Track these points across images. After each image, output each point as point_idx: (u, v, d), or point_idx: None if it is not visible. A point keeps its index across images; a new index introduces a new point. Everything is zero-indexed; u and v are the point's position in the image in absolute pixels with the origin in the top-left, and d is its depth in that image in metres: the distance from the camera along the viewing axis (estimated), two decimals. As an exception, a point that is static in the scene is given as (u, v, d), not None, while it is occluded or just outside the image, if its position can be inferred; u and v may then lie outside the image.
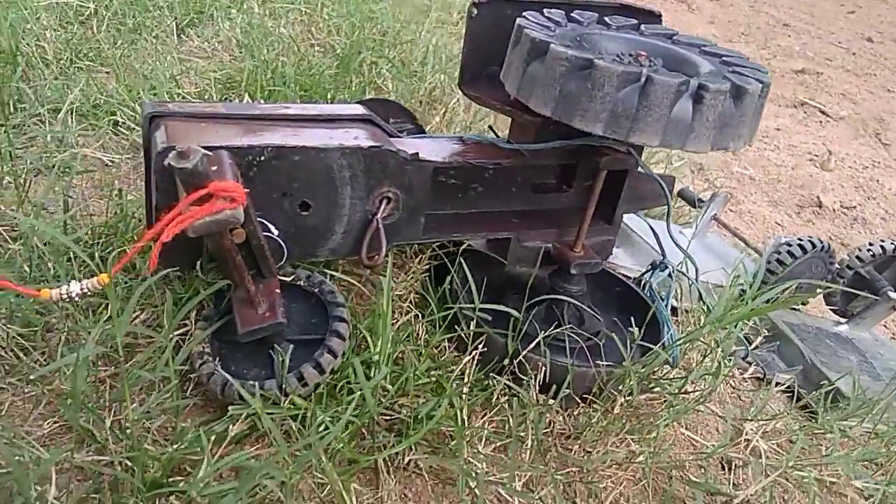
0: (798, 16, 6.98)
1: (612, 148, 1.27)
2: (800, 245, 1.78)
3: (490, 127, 1.58)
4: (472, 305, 1.24)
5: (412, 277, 1.43)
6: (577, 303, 1.34)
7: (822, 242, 1.81)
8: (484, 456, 1.16)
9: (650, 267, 1.51)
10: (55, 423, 1.07)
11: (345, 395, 1.13)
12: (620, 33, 1.25)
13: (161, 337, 1.09)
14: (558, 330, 1.28)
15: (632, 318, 1.35)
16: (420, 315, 1.36)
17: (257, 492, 0.98)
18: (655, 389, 1.32)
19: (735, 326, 1.43)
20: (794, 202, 3.13)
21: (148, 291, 1.20)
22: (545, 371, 1.24)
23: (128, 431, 1.02)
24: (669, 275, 1.49)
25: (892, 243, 1.89)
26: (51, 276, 1.24)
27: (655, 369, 1.30)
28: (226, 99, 2.04)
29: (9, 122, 1.57)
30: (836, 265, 1.89)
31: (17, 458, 0.92)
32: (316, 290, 1.24)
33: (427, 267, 1.46)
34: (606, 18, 1.30)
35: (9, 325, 1.14)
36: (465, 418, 1.17)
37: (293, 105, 1.25)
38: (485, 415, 1.23)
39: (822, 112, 4.29)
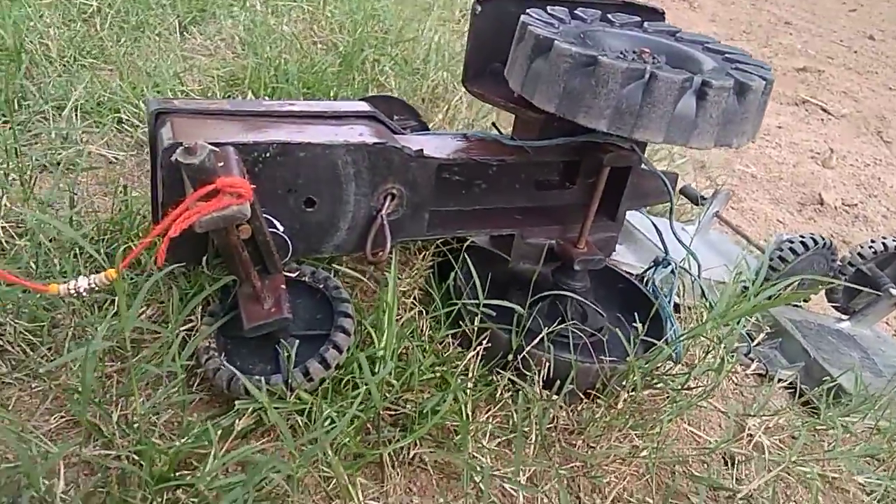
0: (799, 14, 6.98)
1: (616, 145, 1.27)
2: (802, 242, 1.79)
3: (493, 124, 1.58)
4: (476, 301, 1.25)
5: (416, 274, 1.44)
6: (580, 299, 1.35)
7: (823, 240, 1.82)
8: (488, 450, 1.16)
9: (653, 264, 1.52)
10: (62, 417, 1.08)
11: (350, 391, 1.14)
12: (624, 30, 1.26)
13: (167, 332, 1.10)
14: (562, 326, 1.29)
15: (635, 315, 1.36)
16: (424, 311, 1.37)
17: (264, 485, 0.99)
18: (658, 385, 1.33)
19: (738, 323, 1.43)
20: (795, 200, 3.13)
21: (154, 287, 1.21)
22: (549, 367, 1.24)
23: (135, 426, 1.03)
24: (672, 271, 1.49)
25: (893, 240, 1.90)
26: (57, 272, 1.25)
27: (658, 365, 1.31)
28: (229, 96, 2.04)
29: (14, 119, 1.57)
30: (838, 262, 1.89)
31: (25, 452, 0.92)
32: (321, 286, 1.25)
33: (431, 263, 1.47)
34: (610, 16, 1.30)
35: (16, 321, 1.14)
36: (470, 413, 1.17)
37: (298, 102, 1.26)
38: (489, 410, 1.24)
39: (824, 110, 4.29)
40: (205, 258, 1.13)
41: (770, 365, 1.62)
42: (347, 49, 2.34)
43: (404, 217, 1.24)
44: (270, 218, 1.12)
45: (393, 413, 1.17)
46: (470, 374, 1.24)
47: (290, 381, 1.10)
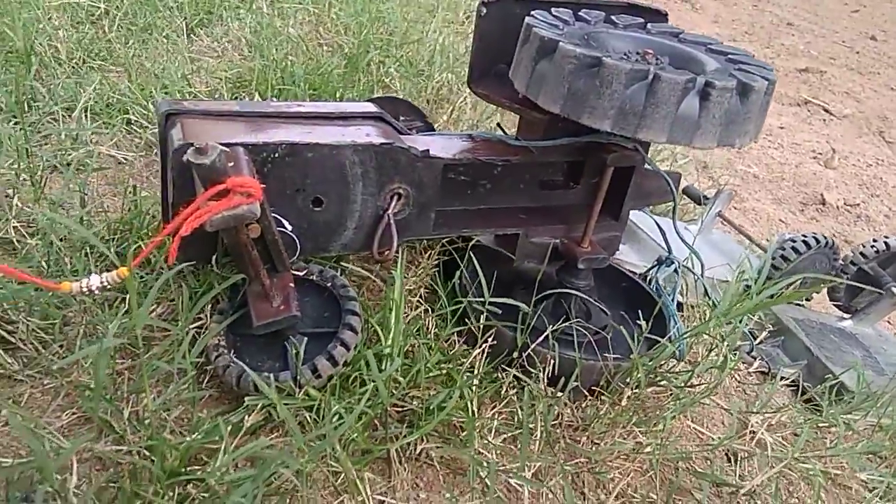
0: (802, 15, 6.99)
1: (620, 145, 1.29)
2: (804, 241, 1.80)
3: (498, 124, 1.60)
4: (482, 300, 1.26)
5: (422, 272, 1.45)
6: (584, 297, 1.36)
7: (825, 239, 1.83)
8: (494, 446, 1.18)
9: (656, 263, 1.53)
10: (74, 414, 1.09)
11: (357, 387, 1.15)
12: (627, 32, 1.27)
13: (178, 330, 1.12)
14: (566, 324, 1.30)
15: (638, 313, 1.37)
16: (430, 309, 1.38)
17: (273, 480, 1.00)
18: (662, 383, 1.34)
19: (740, 321, 1.45)
20: (797, 200, 3.14)
21: (164, 286, 1.23)
22: (553, 364, 1.26)
23: (146, 422, 1.04)
24: (675, 270, 1.50)
25: (895, 239, 1.91)
26: (68, 271, 1.27)
27: (662, 363, 1.32)
28: (236, 97, 2.06)
29: (24, 120, 1.59)
30: (840, 261, 1.91)
31: (39, 447, 0.94)
32: (328, 285, 1.26)
33: (437, 262, 1.48)
34: (613, 17, 1.32)
35: (28, 318, 1.16)
36: (476, 410, 1.19)
37: (306, 103, 1.28)
38: (494, 406, 1.25)
39: (826, 110, 4.30)
40: (214, 257, 1.15)
41: (772, 363, 1.64)
42: (353, 51, 2.36)
43: (410, 216, 1.25)
44: (279, 217, 1.13)
45: (400, 409, 1.18)
46: (475, 372, 1.25)
47: (298, 377, 1.11)
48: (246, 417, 1.08)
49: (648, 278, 1.53)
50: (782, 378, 1.57)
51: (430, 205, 1.26)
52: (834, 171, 3.47)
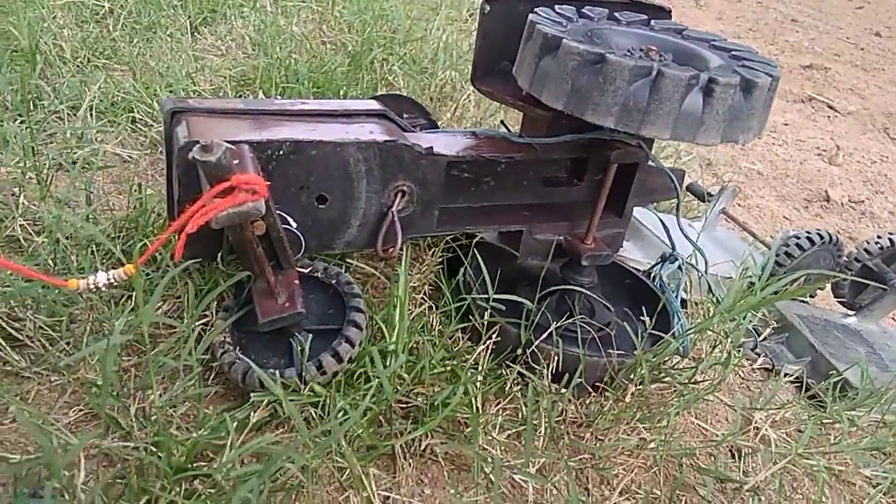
0: (806, 11, 6.97)
1: (623, 141, 1.29)
2: (808, 238, 1.80)
3: (502, 121, 1.60)
4: (486, 296, 1.27)
5: (426, 269, 1.46)
6: (588, 293, 1.37)
7: (830, 235, 1.83)
8: (498, 442, 1.18)
9: (660, 259, 1.53)
10: (81, 410, 1.10)
11: (362, 384, 1.16)
12: (631, 28, 1.27)
13: (183, 327, 1.12)
14: (570, 321, 1.30)
15: (642, 310, 1.37)
16: (434, 306, 1.39)
17: (279, 476, 1.01)
18: (666, 379, 1.35)
19: (744, 317, 1.45)
20: (801, 197, 3.14)
21: (170, 283, 1.24)
22: (557, 360, 1.26)
23: (152, 418, 1.05)
24: (679, 267, 1.51)
25: (900, 237, 1.91)
26: (74, 269, 1.28)
27: (666, 359, 1.32)
28: (241, 95, 2.07)
29: (30, 119, 1.60)
30: (845, 258, 1.90)
31: (46, 443, 0.94)
32: (333, 282, 1.27)
33: (440, 259, 1.49)
34: (617, 14, 1.32)
35: (36, 316, 1.17)
36: (480, 406, 1.19)
37: (310, 101, 1.28)
38: (498, 403, 1.26)
39: (831, 107, 4.29)
40: (220, 254, 1.16)
41: (776, 359, 1.64)
42: (356, 49, 2.37)
43: (414, 214, 1.26)
44: (284, 214, 1.14)
45: (404, 406, 1.19)
46: (480, 368, 1.26)
47: (303, 374, 1.12)
48: (252, 414, 1.09)
49: (652, 275, 1.54)
50: (786, 375, 1.57)
51: (434, 202, 1.27)
52: (838, 168, 3.46)
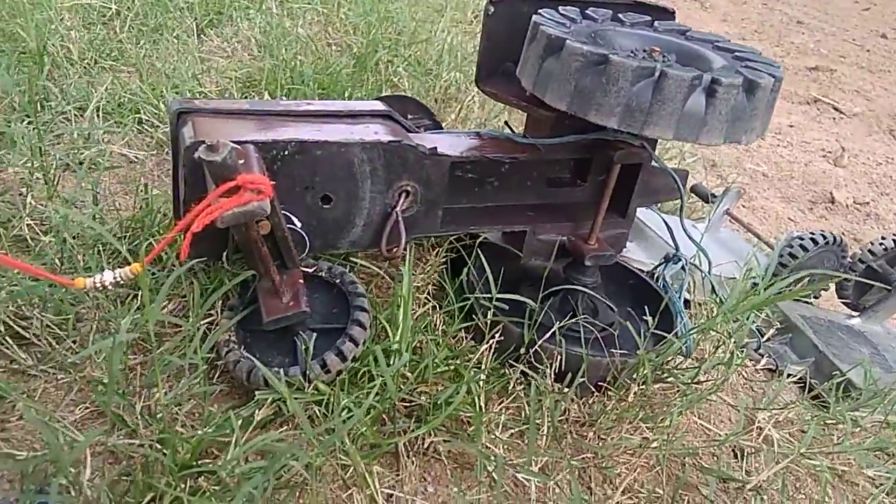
0: (812, 13, 6.96)
1: (626, 142, 1.29)
2: (812, 239, 1.80)
3: (506, 122, 1.61)
4: (489, 296, 1.27)
5: (430, 269, 1.46)
6: (591, 293, 1.37)
7: (834, 236, 1.83)
8: (501, 441, 1.19)
9: (664, 260, 1.53)
10: (87, 408, 1.11)
11: (366, 382, 1.16)
12: (634, 30, 1.28)
13: (189, 325, 1.13)
14: (573, 320, 1.31)
15: (645, 310, 1.38)
16: (438, 306, 1.39)
17: (283, 473, 1.02)
18: (669, 379, 1.35)
19: (747, 318, 1.45)
20: (806, 198, 3.13)
21: (175, 282, 1.24)
22: (560, 360, 1.26)
23: (158, 416, 1.06)
24: (682, 268, 1.51)
25: (905, 237, 1.90)
26: (80, 268, 1.29)
27: (669, 359, 1.33)
28: (246, 97, 2.08)
29: (37, 120, 1.61)
30: (849, 259, 1.90)
31: (53, 440, 0.95)
32: (337, 281, 1.27)
33: (444, 259, 1.49)
34: (620, 15, 1.33)
35: (43, 314, 1.18)
36: (483, 405, 1.20)
37: (315, 102, 1.29)
38: (501, 402, 1.26)
39: (836, 109, 4.28)
40: (225, 254, 1.17)
41: (780, 360, 1.64)
42: (361, 50, 2.38)
43: (418, 214, 1.27)
44: (289, 214, 1.15)
45: (408, 404, 1.19)
46: (483, 367, 1.26)
47: (307, 372, 1.13)
48: (256, 411, 1.09)
49: (655, 275, 1.54)
50: (790, 375, 1.58)
51: (438, 202, 1.27)
52: (843, 170, 3.45)
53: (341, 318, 1.23)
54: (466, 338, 1.36)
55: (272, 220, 1.06)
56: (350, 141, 1.15)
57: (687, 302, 1.63)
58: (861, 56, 5.65)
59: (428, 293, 1.43)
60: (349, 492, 1.06)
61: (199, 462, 1.01)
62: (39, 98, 1.79)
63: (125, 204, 1.53)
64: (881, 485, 1.35)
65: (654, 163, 1.36)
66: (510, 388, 1.28)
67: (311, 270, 1.27)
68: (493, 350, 1.28)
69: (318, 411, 1.12)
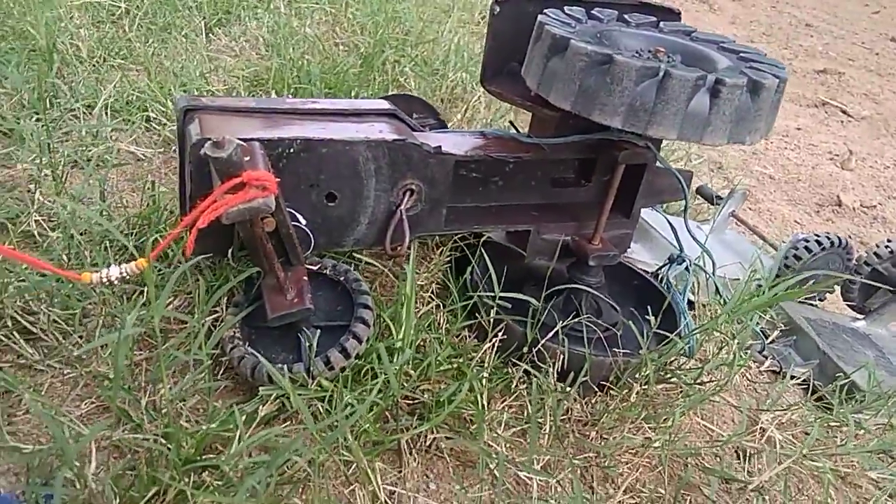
0: (821, 16, 6.94)
1: (631, 142, 1.30)
2: (817, 241, 1.80)
3: (511, 122, 1.61)
4: (492, 295, 1.27)
5: (434, 268, 1.47)
6: (595, 293, 1.37)
7: (839, 239, 1.82)
8: (503, 439, 1.19)
9: (668, 261, 1.54)
10: (92, 403, 1.12)
11: (369, 379, 1.17)
12: (640, 30, 1.28)
13: (194, 322, 1.14)
14: (576, 320, 1.31)
15: (648, 310, 1.38)
16: (441, 304, 1.40)
17: (286, 468, 1.03)
18: (672, 379, 1.35)
19: (751, 319, 1.45)
20: (813, 201, 3.13)
21: (181, 278, 1.25)
22: (563, 359, 1.27)
23: (163, 411, 1.07)
24: (687, 269, 1.51)
25: (910, 240, 1.90)
26: (87, 264, 1.30)
27: (672, 360, 1.33)
28: (253, 96, 2.09)
29: (46, 117, 1.63)
30: (854, 262, 1.90)
31: (59, 434, 0.96)
32: (341, 279, 1.28)
33: (448, 258, 1.50)
34: (626, 16, 1.33)
35: (50, 309, 1.19)
36: (485, 403, 1.20)
37: (321, 100, 1.29)
38: (504, 400, 1.27)
39: (844, 112, 4.27)
40: (230, 250, 1.17)
41: (784, 362, 1.64)
42: (368, 50, 2.39)
43: (423, 212, 1.27)
44: (293, 212, 1.15)
45: (411, 402, 1.20)
46: (485, 366, 1.27)
47: (311, 369, 1.13)
48: (260, 407, 1.10)
49: (660, 276, 1.54)
50: (793, 377, 1.57)
51: (442, 201, 1.28)
52: (850, 173, 3.44)
53: (345, 316, 1.24)
54: (470, 336, 1.37)
55: (277, 217, 1.07)
56: (355, 139, 1.15)
57: (691, 303, 1.63)
58: (870, 59, 5.63)
59: (432, 292, 1.43)
60: (351, 488, 1.07)
61: (203, 457, 1.01)
62: (48, 95, 1.80)
63: (132, 201, 1.54)
64: (884, 487, 1.35)
65: (658, 163, 1.36)
66: (513, 386, 1.28)
67: (315, 268, 1.28)
68: (496, 349, 1.29)
69: (321, 408, 1.12)
